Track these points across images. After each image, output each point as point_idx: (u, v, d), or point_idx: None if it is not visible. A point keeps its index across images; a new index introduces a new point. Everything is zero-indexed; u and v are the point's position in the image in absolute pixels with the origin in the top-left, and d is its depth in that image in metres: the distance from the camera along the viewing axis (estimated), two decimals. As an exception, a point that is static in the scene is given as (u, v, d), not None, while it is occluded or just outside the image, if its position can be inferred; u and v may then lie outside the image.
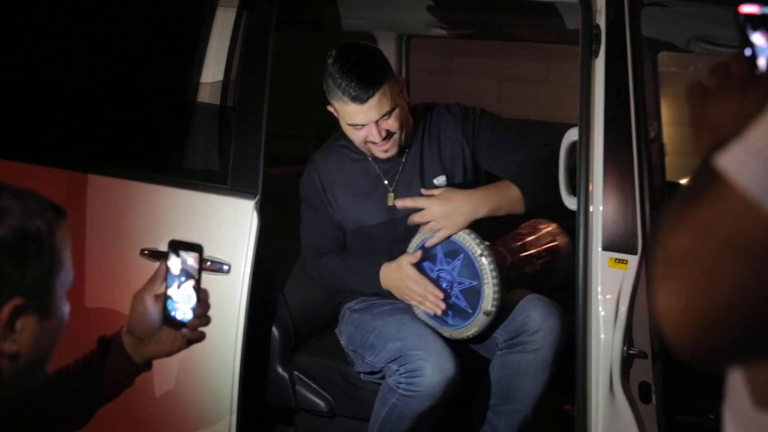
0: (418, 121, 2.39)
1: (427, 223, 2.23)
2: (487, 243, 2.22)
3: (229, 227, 2.20)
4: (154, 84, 2.45)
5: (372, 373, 2.31)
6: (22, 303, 1.04)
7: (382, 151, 2.28)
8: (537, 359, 2.17)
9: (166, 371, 2.25)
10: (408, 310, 2.31)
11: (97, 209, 2.31)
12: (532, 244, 2.47)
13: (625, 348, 2.01)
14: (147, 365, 1.51)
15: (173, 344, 1.47)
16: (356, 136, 2.27)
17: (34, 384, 1.18)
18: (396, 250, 2.31)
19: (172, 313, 1.42)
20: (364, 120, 2.21)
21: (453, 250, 2.22)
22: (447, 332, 2.25)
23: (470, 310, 2.21)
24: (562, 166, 2.17)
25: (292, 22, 3.40)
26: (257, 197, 2.21)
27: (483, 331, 2.23)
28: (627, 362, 2.04)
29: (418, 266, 2.26)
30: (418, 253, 2.26)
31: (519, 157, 2.32)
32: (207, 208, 2.25)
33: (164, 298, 1.42)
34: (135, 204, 2.28)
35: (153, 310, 1.44)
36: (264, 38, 2.23)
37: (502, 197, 2.24)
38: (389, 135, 2.25)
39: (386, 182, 2.38)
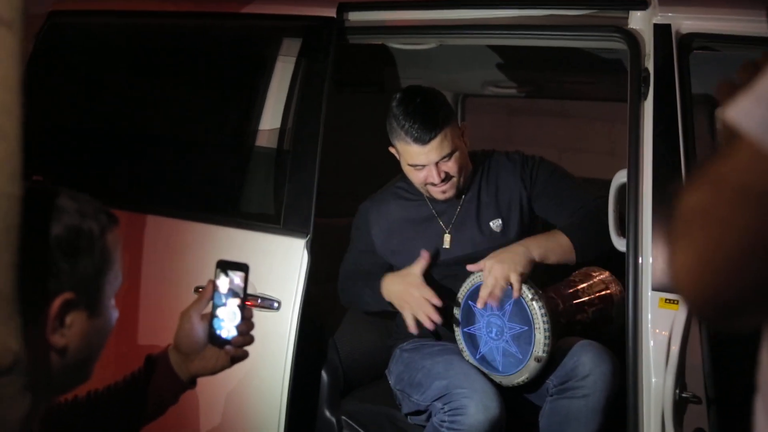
0: (477, 166, 2.44)
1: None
2: (539, 290, 2.21)
3: (280, 265, 2.25)
4: (218, 132, 2.56)
5: (418, 413, 2.29)
6: (73, 298, 1.09)
7: (441, 192, 2.33)
8: (588, 405, 2.12)
9: (213, 407, 2.27)
10: (457, 352, 2.31)
11: (159, 248, 2.40)
12: (584, 291, 2.44)
13: (677, 391, 1.96)
14: (192, 383, 1.55)
15: (217, 362, 1.52)
16: (416, 177, 2.32)
17: (80, 382, 1.22)
18: (445, 291, 2.31)
19: (218, 332, 1.47)
20: (425, 161, 2.26)
21: (520, 317, 2.21)
22: (497, 378, 2.23)
23: (520, 356, 2.19)
24: (611, 209, 2.17)
25: (351, 83, 3.53)
26: (308, 236, 2.26)
27: (534, 378, 2.20)
28: (680, 406, 1.98)
29: (470, 310, 2.25)
30: (426, 255, 2.28)
31: (572, 206, 2.34)
32: (260, 247, 2.30)
33: (211, 316, 1.47)
34: (194, 243, 2.35)
35: (199, 327, 1.49)
36: (319, 84, 2.32)
37: (553, 244, 2.25)
38: (448, 177, 2.30)
39: (442, 223, 2.41)
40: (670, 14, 2.11)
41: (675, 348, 1.97)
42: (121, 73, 2.66)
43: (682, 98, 2.06)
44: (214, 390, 2.27)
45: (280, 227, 2.29)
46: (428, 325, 2.22)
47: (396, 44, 2.58)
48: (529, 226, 2.41)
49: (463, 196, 2.41)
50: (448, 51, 2.68)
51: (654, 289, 2.00)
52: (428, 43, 2.51)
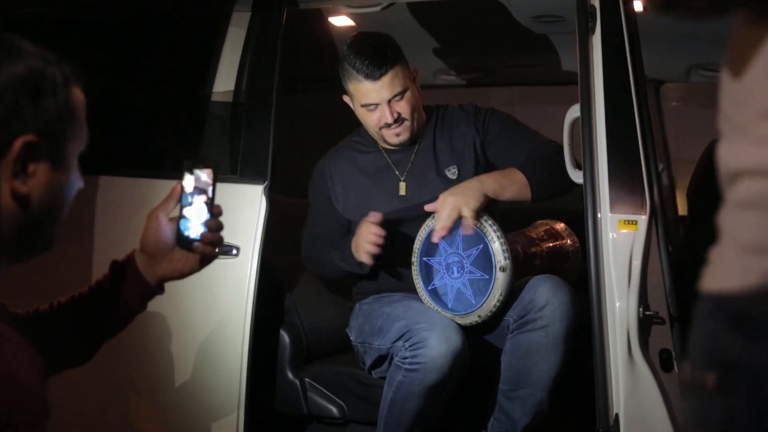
0: (431, 117, 2.47)
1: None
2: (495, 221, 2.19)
3: (239, 212, 2.23)
4: (174, 91, 2.55)
5: (380, 361, 2.25)
6: (35, 141, 1.05)
7: (395, 135, 2.34)
8: (548, 336, 2.10)
9: (174, 360, 2.22)
10: (417, 298, 2.29)
11: (118, 207, 2.36)
12: (540, 238, 2.46)
13: (641, 309, 1.96)
14: (160, 288, 1.50)
15: (186, 264, 1.46)
16: (370, 120, 2.34)
17: (42, 249, 1.17)
18: (404, 239, 2.30)
19: (185, 233, 1.42)
20: (377, 98, 2.29)
21: (473, 238, 2.20)
22: (448, 315, 2.20)
23: (473, 301, 2.17)
24: (566, 143, 2.21)
25: (301, 80, 3.56)
26: (266, 183, 2.25)
27: (486, 320, 2.17)
28: (644, 326, 1.98)
29: (434, 245, 2.24)
30: (378, 215, 2.26)
31: (526, 149, 2.36)
32: (218, 197, 2.26)
33: (178, 218, 1.43)
34: (153, 199, 2.31)
35: (167, 228, 1.44)
36: (274, 36, 2.34)
37: (508, 179, 2.26)
38: (401, 119, 2.32)
39: (397, 172, 2.41)
40: (612, -49, 2.18)
41: (636, 268, 1.99)
42: (75, 38, 2.64)
43: (629, 30, 2.12)
44: (176, 339, 2.22)
45: (237, 177, 2.27)
46: (373, 250, 2.21)
47: (348, 6, 2.61)
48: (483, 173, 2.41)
49: (418, 145, 2.43)
50: (398, 32, 2.72)
51: (612, 211, 2.03)
52: (379, 3, 2.55)
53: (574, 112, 2.18)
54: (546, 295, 2.11)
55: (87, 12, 2.52)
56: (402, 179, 2.41)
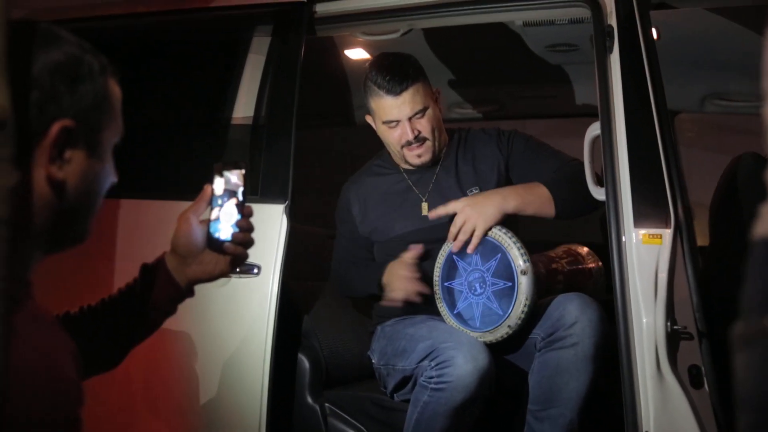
0: (452, 138, 2.49)
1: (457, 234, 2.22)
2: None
3: (260, 231, 2.21)
4: (197, 115, 2.57)
5: (404, 383, 2.21)
6: (72, 126, 1.05)
7: (416, 155, 2.36)
8: (577, 354, 2.06)
9: (198, 378, 2.19)
10: (440, 319, 2.26)
11: (140, 229, 2.36)
12: (560, 257, 2.44)
13: (669, 324, 1.93)
14: (189, 290, 1.49)
15: (216, 266, 1.46)
16: (391, 138, 2.36)
17: (75, 241, 1.16)
18: (426, 261, 2.29)
19: (215, 234, 1.43)
20: (398, 115, 2.30)
21: (490, 250, 2.19)
22: (476, 335, 2.17)
23: (501, 312, 2.15)
24: (587, 160, 2.20)
25: (318, 115, 3.59)
26: (287, 202, 2.25)
27: (516, 331, 2.14)
28: (672, 341, 1.95)
29: (454, 267, 2.23)
30: (419, 247, 2.27)
31: (550, 168, 2.36)
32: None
33: (208, 220, 1.43)
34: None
35: (197, 230, 1.44)
36: (293, 57, 2.36)
37: (532, 193, 2.25)
38: (422, 139, 2.33)
39: (418, 192, 2.42)
40: (628, -26, 2.21)
41: (662, 283, 1.96)
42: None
43: (647, 48, 2.13)
44: (199, 357, 2.20)
45: (258, 196, 2.27)
46: (415, 298, 2.22)
47: (365, 34, 2.65)
48: None
49: (439, 166, 2.43)
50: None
51: (636, 225, 2.01)
52: (397, 30, 2.58)
53: (594, 129, 2.19)
54: (575, 312, 2.08)
55: (107, 38, 2.55)
56: (424, 199, 2.41)
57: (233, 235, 1.43)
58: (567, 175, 2.29)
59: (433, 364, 2.05)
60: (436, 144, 2.38)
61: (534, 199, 2.24)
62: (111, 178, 1.18)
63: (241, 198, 1.44)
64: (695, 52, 2.87)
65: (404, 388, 2.24)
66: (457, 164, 2.43)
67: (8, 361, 0.89)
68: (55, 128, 1.04)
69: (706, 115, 3.40)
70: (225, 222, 1.43)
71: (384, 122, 2.35)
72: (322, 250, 2.85)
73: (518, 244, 2.13)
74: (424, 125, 2.33)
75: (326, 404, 2.39)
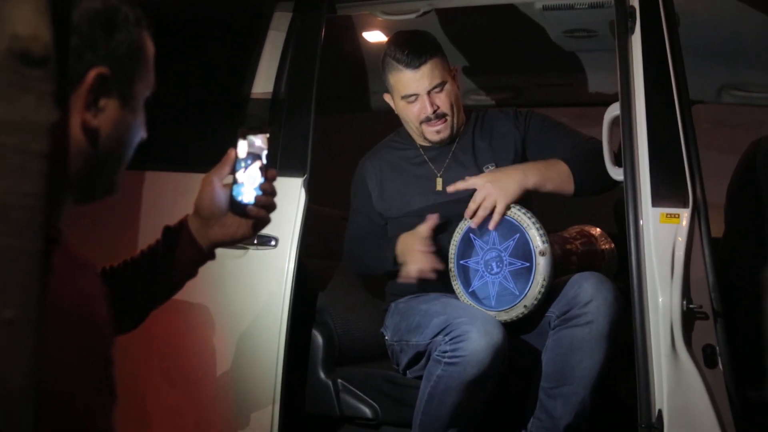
0: (470, 117, 2.50)
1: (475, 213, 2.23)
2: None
3: (278, 204, 2.22)
4: (218, 88, 2.58)
5: (417, 358, 2.22)
6: (107, 74, 1.07)
7: (435, 131, 2.37)
8: (592, 332, 2.06)
9: (214, 351, 2.21)
10: (454, 296, 2.27)
11: (162, 200, 2.38)
12: (574, 238, 2.45)
13: (685, 303, 1.93)
14: (211, 253, 1.50)
15: (239, 229, 1.48)
16: (410, 113, 2.37)
17: (103, 190, 1.17)
18: (440, 235, 2.30)
19: (238, 197, 1.43)
20: (417, 88, 2.32)
21: (508, 230, 2.20)
22: (492, 314, 2.18)
23: (517, 293, 2.15)
24: (606, 140, 2.21)
25: (334, 101, 3.60)
26: (305, 176, 2.26)
27: (532, 311, 2.14)
28: (688, 320, 1.95)
29: (471, 245, 2.23)
30: (434, 217, 2.27)
31: (567, 145, 2.37)
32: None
33: (232, 182, 1.44)
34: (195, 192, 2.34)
35: (220, 193, 1.45)
36: (314, 33, 2.38)
37: (552, 169, 2.26)
38: (441, 115, 2.35)
39: (434, 168, 2.43)
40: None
41: (679, 262, 1.97)
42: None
43: (669, 29, 2.13)
44: (216, 330, 2.22)
45: (276, 170, 2.27)
46: (430, 275, 2.21)
47: (384, 13, 2.65)
48: None
49: (456, 143, 2.45)
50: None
51: (654, 204, 2.01)
52: (417, 9, 2.58)
53: (614, 110, 2.19)
54: (590, 291, 2.09)
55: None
56: (439, 175, 2.42)
57: (256, 198, 1.44)
58: (585, 153, 2.30)
59: (447, 338, 2.06)
60: (455, 120, 2.39)
61: (554, 175, 2.25)
62: (141, 131, 1.20)
63: (264, 161, 1.44)
64: (714, 40, 2.86)
65: (417, 365, 2.25)
66: (473, 141, 2.44)
67: (45, 299, 0.90)
68: (92, 75, 1.05)
69: (719, 108, 3.40)
70: (248, 185, 1.44)
71: (403, 97, 2.36)
72: (336, 230, 2.86)
73: (537, 225, 2.13)
74: (443, 100, 2.35)
75: (339, 380, 2.40)
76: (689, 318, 1.95)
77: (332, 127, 3.64)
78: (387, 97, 2.46)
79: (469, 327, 2.03)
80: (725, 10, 2.60)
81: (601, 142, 2.24)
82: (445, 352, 2.05)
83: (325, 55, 2.45)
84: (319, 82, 2.39)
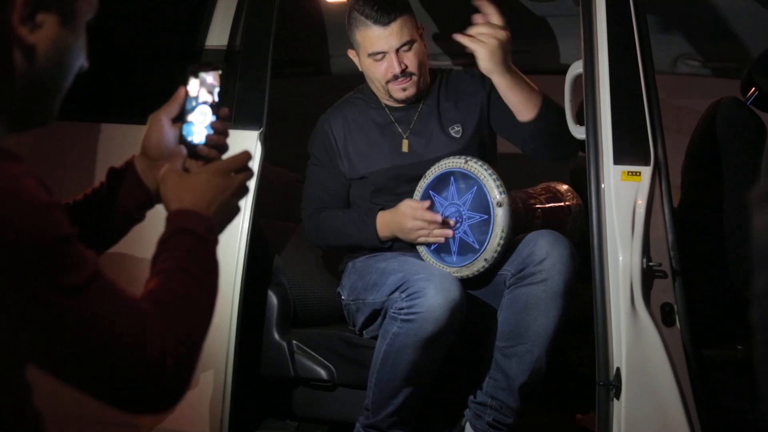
0: (435, 77, 2.44)
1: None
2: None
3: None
4: (168, 38, 2.50)
5: (373, 317, 2.19)
6: None
7: (401, 89, 2.31)
8: (546, 290, 2.05)
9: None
10: (412, 255, 2.23)
11: (113, 152, 2.29)
12: (539, 194, 2.43)
13: (645, 261, 1.93)
14: (159, 197, 1.43)
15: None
16: (377, 71, 2.30)
17: (39, 118, 1.10)
18: (405, 197, 2.26)
19: (188, 137, 1.35)
20: (385, 46, 2.26)
21: (465, 183, 2.17)
22: (453, 270, 2.15)
23: (477, 246, 2.13)
24: (568, 98, 2.19)
25: (288, 64, 3.51)
26: (261, 129, 2.20)
27: (492, 265, 2.12)
28: (647, 279, 1.95)
29: (430, 204, 2.20)
30: (426, 203, 2.21)
31: None
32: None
33: (181, 122, 1.37)
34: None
35: (169, 132, 1.37)
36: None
37: (524, 81, 2.22)
38: (408, 74, 2.29)
39: (400, 129, 2.38)
40: None
41: (640, 220, 1.96)
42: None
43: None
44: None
45: (231, 123, 2.20)
46: (449, 235, 2.18)
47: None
48: (488, 136, 2.39)
49: (421, 104, 2.39)
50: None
51: (615, 162, 2.00)
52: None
53: (577, 68, 2.17)
54: (545, 248, 2.07)
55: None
56: (405, 136, 2.37)
57: (207, 137, 1.36)
58: (554, 105, 2.26)
59: (403, 295, 2.03)
60: (421, 80, 2.34)
61: (525, 86, 2.21)
62: (82, 57, 1.11)
63: (217, 99, 1.37)
64: (671, 9, 2.86)
65: (374, 324, 2.21)
66: (439, 102, 2.39)
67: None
68: None
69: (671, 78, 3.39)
70: (199, 124, 1.36)
71: (370, 54, 2.29)
72: (292, 191, 2.79)
73: (494, 176, 2.11)
74: (410, 59, 2.28)
75: (294, 341, 2.35)
76: (649, 276, 1.95)
77: (289, 91, 3.55)
78: (351, 54, 2.39)
79: (426, 283, 1.99)
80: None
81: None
82: (402, 308, 2.02)
83: (282, 13, 2.37)
84: (276, 40, 2.31)
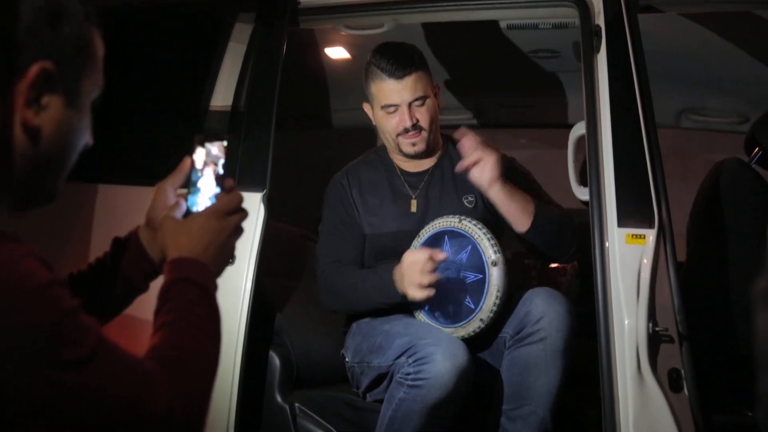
0: (448, 144, 2.44)
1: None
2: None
3: (235, 220, 2.16)
4: (170, 102, 2.51)
5: (379, 381, 2.15)
6: (52, 69, 1.00)
7: (410, 143, 2.31)
8: (546, 349, 2.03)
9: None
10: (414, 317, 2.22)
11: (115, 215, 2.29)
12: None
13: (650, 325, 1.90)
14: (162, 267, 1.42)
15: None
16: (388, 124, 2.31)
17: (43, 197, 1.10)
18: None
19: (194, 208, 1.36)
20: (398, 99, 2.27)
21: (460, 243, 2.16)
22: (449, 331, 2.12)
23: (473, 306, 2.11)
24: (571, 159, 2.19)
25: (293, 118, 3.54)
26: (264, 191, 2.19)
27: (488, 328, 2.10)
28: (654, 343, 1.92)
29: None
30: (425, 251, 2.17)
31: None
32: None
33: (187, 191, 1.37)
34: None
35: (173, 202, 1.38)
36: (276, 45, 2.31)
37: (519, 194, 2.19)
38: (419, 128, 2.29)
39: (410, 191, 2.38)
40: (617, -24, 2.20)
41: (645, 284, 1.94)
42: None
43: (635, 49, 2.12)
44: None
45: (235, 181, 2.20)
46: (427, 288, 2.08)
47: (348, 27, 2.61)
48: (495, 213, 2.28)
49: (433, 167, 2.39)
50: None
51: (620, 225, 1.99)
52: (381, 24, 2.55)
53: (579, 129, 2.17)
54: (541, 306, 2.06)
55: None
56: (413, 197, 2.36)
57: None
58: (553, 213, 2.25)
59: (410, 360, 2.00)
60: (431, 137, 2.34)
61: (519, 200, 2.18)
62: (87, 135, 1.12)
63: (221, 170, 1.38)
64: (675, 64, 2.87)
65: (378, 387, 2.18)
66: (453, 169, 2.32)
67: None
68: (35, 69, 0.99)
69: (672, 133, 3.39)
70: (203, 195, 1.37)
71: (383, 107, 2.30)
72: (296, 248, 2.78)
73: (489, 236, 2.11)
74: (422, 114, 2.29)
75: (296, 404, 2.31)
76: (655, 341, 1.93)
77: (292, 144, 3.57)
78: (366, 107, 2.40)
79: (433, 348, 1.97)
80: (688, 34, 2.61)
81: (569, 215, 2.22)
82: (409, 374, 1.99)
83: (286, 70, 2.39)
84: (280, 97, 2.32)
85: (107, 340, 0.97)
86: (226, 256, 1.26)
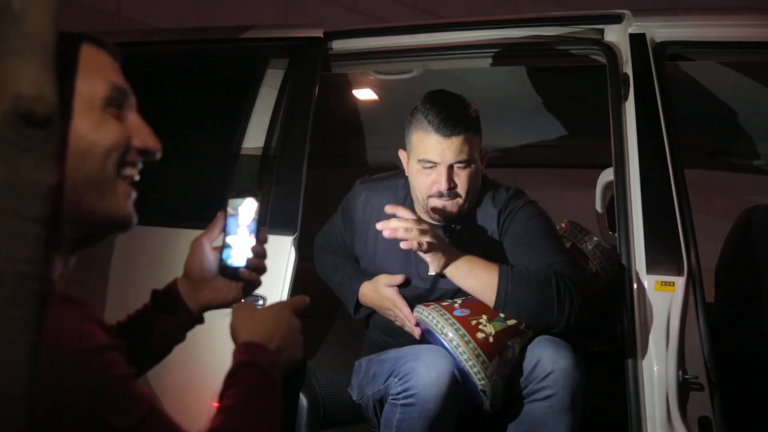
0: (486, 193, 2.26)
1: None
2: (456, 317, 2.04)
3: (268, 263, 2.19)
4: (209, 144, 2.56)
5: (381, 405, 2.11)
6: None
7: (441, 208, 2.13)
8: (552, 406, 1.97)
9: (197, 414, 2.13)
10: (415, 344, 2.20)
11: (147, 256, 2.33)
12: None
13: (680, 373, 1.91)
14: (200, 317, 1.47)
15: (228, 293, 1.45)
16: (421, 181, 2.12)
17: (97, 242, 1.15)
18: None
19: (228, 261, 1.41)
20: (439, 158, 2.07)
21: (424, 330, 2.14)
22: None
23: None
24: (599, 206, 2.20)
25: (317, 156, 3.58)
26: (295, 234, 2.22)
27: (498, 401, 2.02)
28: (683, 391, 1.92)
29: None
30: (399, 277, 2.20)
31: (534, 264, 2.07)
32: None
33: (221, 246, 1.42)
34: (182, 247, 2.29)
35: (210, 255, 1.43)
36: (308, 90, 2.35)
37: (476, 271, 2.04)
38: (455, 194, 2.11)
39: None
40: (644, 24, 2.24)
41: (674, 331, 1.95)
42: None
43: (663, 97, 2.15)
44: (199, 392, 2.15)
45: (266, 227, 2.24)
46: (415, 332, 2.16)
47: (378, 72, 2.65)
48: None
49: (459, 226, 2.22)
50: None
51: (649, 272, 2.00)
52: (410, 70, 2.59)
53: (608, 175, 2.19)
54: (547, 363, 1.97)
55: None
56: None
57: (247, 261, 1.42)
58: (539, 278, 2.00)
59: (396, 379, 1.98)
60: (466, 205, 2.15)
61: (474, 280, 2.04)
62: None
63: (254, 226, 1.43)
64: (703, 107, 2.89)
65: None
66: (483, 222, 2.22)
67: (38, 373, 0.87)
68: None
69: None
70: (238, 248, 1.42)
71: (420, 160, 2.10)
72: (326, 289, 2.80)
73: (470, 361, 1.98)
74: (462, 179, 2.09)
75: (323, 444, 2.33)
76: (685, 389, 1.93)
77: (324, 180, 3.61)
78: (402, 154, 2.22)
79: (414, 363, 1.95)
80: (715, 77, 2.63)
81: (573, 271, 2.05)
82: (399, 393, 1.96)
83: (316, 113, 2.43)
84: (312, 139, 2.36)
85: (159, 411, 1.00)
86: (293, 351, 1.33)
